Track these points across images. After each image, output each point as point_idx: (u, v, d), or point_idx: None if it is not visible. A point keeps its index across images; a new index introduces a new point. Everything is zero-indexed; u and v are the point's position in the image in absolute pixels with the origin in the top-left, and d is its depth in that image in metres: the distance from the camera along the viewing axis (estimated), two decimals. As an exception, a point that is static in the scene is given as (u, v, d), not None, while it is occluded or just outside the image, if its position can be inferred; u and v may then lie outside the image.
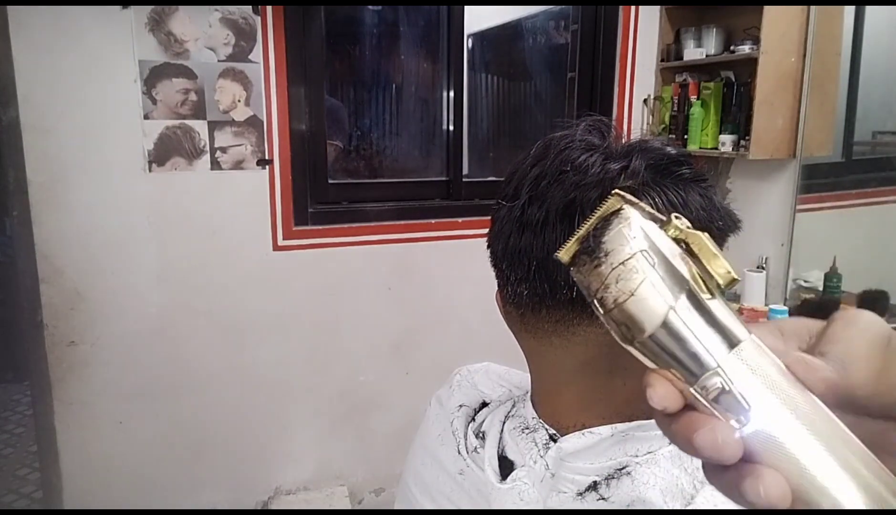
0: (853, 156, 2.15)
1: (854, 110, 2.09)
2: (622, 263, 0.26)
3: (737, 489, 0.23)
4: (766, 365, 0.25)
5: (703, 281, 0.26)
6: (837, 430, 0.24)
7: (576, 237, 0.29)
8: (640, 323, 0.26)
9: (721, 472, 0.24)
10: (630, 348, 0.27)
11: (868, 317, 0.27)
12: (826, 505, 0.23)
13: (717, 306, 0.25)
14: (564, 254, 0.29)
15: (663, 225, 0.27)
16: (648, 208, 0.28)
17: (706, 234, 0.27)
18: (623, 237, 0.27)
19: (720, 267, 0.26)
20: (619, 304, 0.26)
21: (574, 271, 0.29)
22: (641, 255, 0.26)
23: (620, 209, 0.28)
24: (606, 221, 0.28)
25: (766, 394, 0.24)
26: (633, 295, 0.26)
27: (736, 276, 0.26)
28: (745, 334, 0.25)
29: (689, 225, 0.27)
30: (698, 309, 0.25)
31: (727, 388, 0.24)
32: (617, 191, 0.29)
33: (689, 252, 0.26)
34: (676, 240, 0.27)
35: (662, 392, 0.25)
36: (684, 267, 0.26)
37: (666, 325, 0.25)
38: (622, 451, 0.47)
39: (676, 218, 0.27)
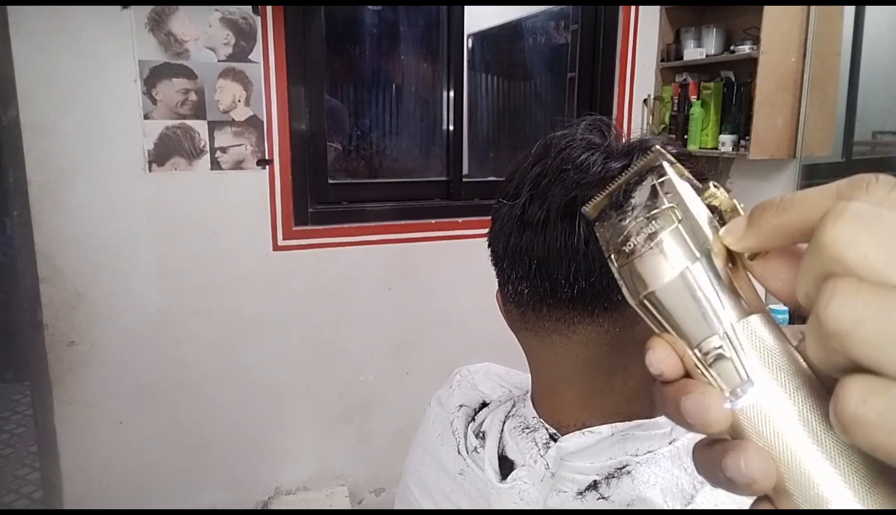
0: (853, 156, 2.15)
1: (854, 110, 2.08)
2: (647, 217, 0.26)
3: (718, 463, 0.22)
4: (773, 342, 0.24)
5: (729, 250, 0.25)
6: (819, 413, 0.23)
7: (606, 192, 0.28)
8: (653, 277, 0.25)
9: (707, 449, 0.24)
10: (636, 307, 0.26)
11: None
12: (810, 497, 0.22)
13: (737, 276, 0.25)
14: (592, 210, 0.29)
15: (699, 191, 0.27)
16: (687, 172, 0.27)
17: (742, 205, 0.26)
18: (654, 192, 0.27)
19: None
20: (636, 256, 0.26)
21: (598, 226, 0.28)
22: (669, 211, 0.26)
23: (659, 165, 0.27)
24: (640, 177, 0.28)
25: (764, 370, 0.23)
26: (651, 248, 0.25)
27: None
28: (759, 308, 0.25)
29: (728, 194, 0.26)
30: (714, 274, 0.25)
31: (727, 354, 0.24)
32: (658, 147, 0.28)
33: (721, 222, 0.26)
34: (711, 208, 0.26)
35: (661, 354, 0.25)
36: (710, 232, 0.25)
37: (678, 281, 0.25)
38: (622, 450, 0.47)
39: (715, 186, 0.27)
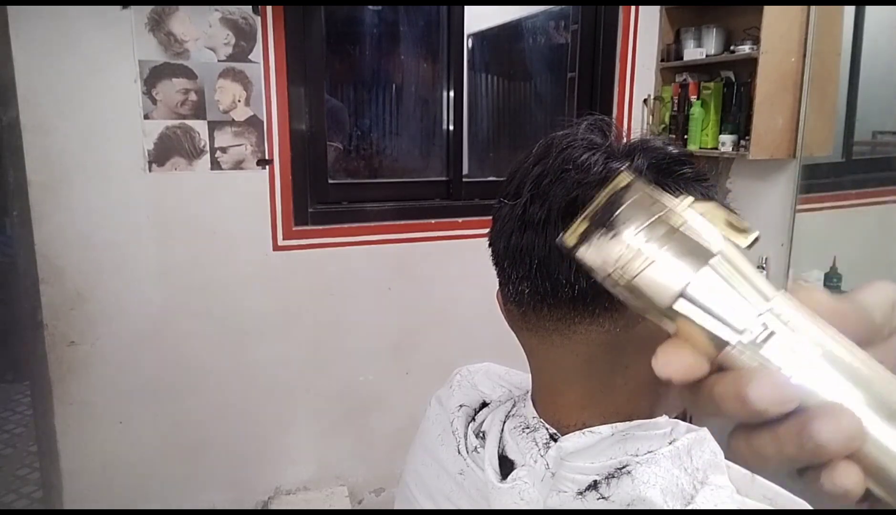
0: (853, 156, 2.15)
1: (854, 110, 2.08)
2: (646, 227, 0.26)
3: (802, 434, 0.22)
4: (807, 310, 0.24)
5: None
6: (879, 369, 0.24)
7: (583, 216, 0.28)
8: (679, 276, 0.25)
9: (766, 429, 0.23)
10: (661, 314, 0.26)
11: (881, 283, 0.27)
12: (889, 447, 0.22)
13: (748, 263, 0.25)
14: (571, 237, 0.28)
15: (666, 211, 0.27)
16: (653, 192, 0.27)
17: (713, 203, 0.27)
18: (640, 205, 0.27)
19: (741, 225, 0.26)
20: (649, 263, 0.25)
21: (583, 250, 0.27)
22: (671, 215, 0.26)
23: (630, 184, 0.28)
24: (615, 197, 0.27)
25: (819, 335, 0.24)
26: (667, 250, 0.25)
27: (756, 233, 0.26)
28: (773, 288, 0.25)
29: (692, 201, 0.27)
30: (733, 264, 0.25)
31: (778, 330, 0.24)
32: (623, 169, 0.29)
33: None
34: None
35: (684, 360, 0.24)
36: (711, 225, 0.26)
37: (710, 272, 0.25)
38: (622, 450, 0.47)
39: (680, 200, 0.27)
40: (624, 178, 0.28)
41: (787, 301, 0.25)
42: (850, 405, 0.23)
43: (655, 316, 0.26)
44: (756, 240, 0.26)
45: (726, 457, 0.46)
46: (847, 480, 0.22)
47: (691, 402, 0.25)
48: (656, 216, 0.26)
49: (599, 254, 0.27)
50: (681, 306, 0.25)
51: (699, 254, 0.25)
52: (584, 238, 0.27)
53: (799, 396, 0.23)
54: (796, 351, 0.24)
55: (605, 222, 0.27)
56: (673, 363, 0.25)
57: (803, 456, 0.23)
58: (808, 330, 0.24)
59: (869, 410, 0.23)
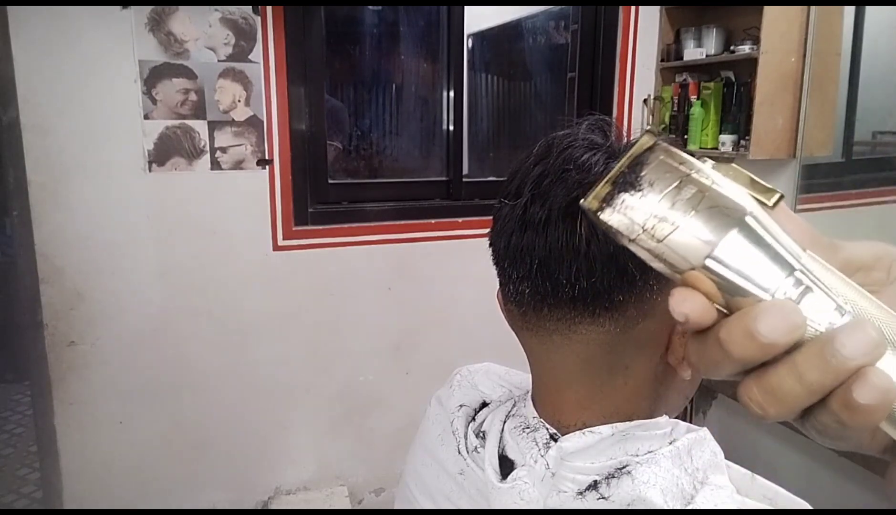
0: (853, 156, 2.15)
1: (854, 110, 2.08)
2: (676, 187, 0.25)
3: (824, 351, 0.22)
4: (831, 270, 0.25)
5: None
6: None
7: (606, 179, 0.27)
8: (712, 236, 0.24)
9: (781, 364, 0.23)
10: (691, 274, 0.25)
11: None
12: None
13: (774, 223, 0.25)
14: (593, 200, 0.27)
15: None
16: (677, 153, 0.27)
17: (733, 165, 0.27)
18: (667, 165, 0.26)
19: (764, 185, 0.26)
20: (677, 227, 0.25)
21: (608, 214, 0.26)
22: (697, 176, 0.26)
23: (655, 145, 0.27)
24: (639, 159, 0.27)
25: (849, 292, 0.24)
26: (697, 212, 0.25)
27: (780, 193, 0.26)
28: (799, 248, 0.25)
29: (713, 164, 0.27)
30: (762, 224, 0.25)
31: (814, 287, 0.24)
32: (649, 128, 0.28)
33: None
34: None
35: (699, 301, 0.24)
36: (738, 186, 0.26)
37: (740, 234, 0.24)
38: (622, 450, 0.47)
39: (703, 161, 0.27)
40: (647, 141, 0.27)
41: (813, 260, 0.25)
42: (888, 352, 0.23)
43: (674, 275, 0.26)
44: (780, 198, 0.26)
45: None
46: (882, 380, 0.22)
47: (698, 353, 0.25)
48: (683, 177, 0.26)
49: (626, 217, 0.26)
50: (712, 265, 0.25)
51: (730, 214, 0.25)
52: (607, 201, 0.27)
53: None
54: (835, 305, 0.24)
55: (630, 184, 0.26)
56: (689, 301, 0.24)
57: (827, 379, 0.23)
58: (837, 286, 0.24)
59: None
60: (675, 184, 0.26)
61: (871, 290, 0.25)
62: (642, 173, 0.26)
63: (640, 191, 0.26)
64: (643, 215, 0.26)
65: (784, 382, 0.23)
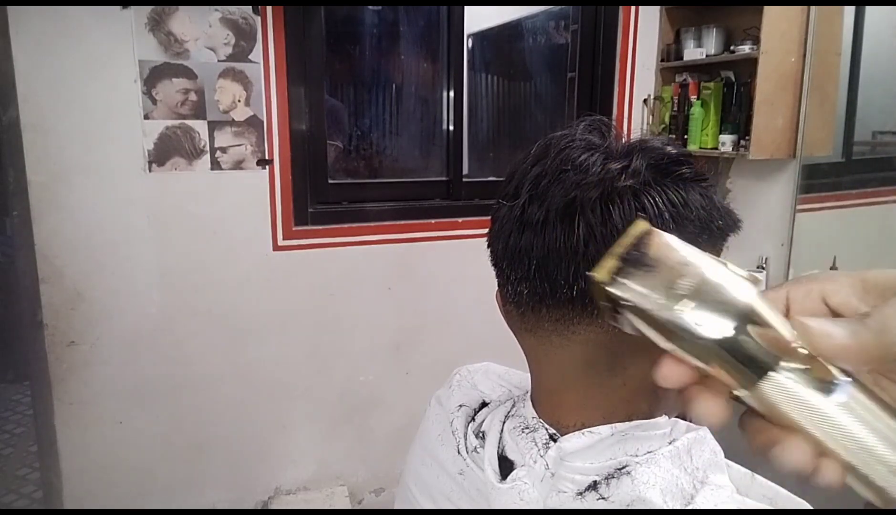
0: (853, 156, 2.15)
1: (854, 110, 2.08)
2: (681, 263, 0.28)
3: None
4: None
5: None
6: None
7: (610, 255, 0.30)
8: (714, 329, 0.26)
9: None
10: (711, 346, 0.27)
11: None
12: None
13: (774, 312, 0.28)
14: (604, 274, 0.29)
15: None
16: (671, 241, 0.30)
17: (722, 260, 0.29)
18: (669, 247, 0.29)
19: (747, 276, 0.28)
20: (697, 293, 0.27)
21: (617, 286, 0.29)
22: (699, 253, 0.28)
23: (650, 230, 0.30)
24: (638, 240, 0.29)
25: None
26: (705, 282, 0.27)
27: (757, 276, 0.28)
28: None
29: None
30: (763, 318, 0.27)
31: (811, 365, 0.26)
32: (640, 215, 0.31)
33: None
34: None
35: (683, 372, 0.28)
36: (734, 276, 0.28)
37: (753, 309, 0.26)
38: (622, 451, 0.47)
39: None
40: (643, 225, 0.30)
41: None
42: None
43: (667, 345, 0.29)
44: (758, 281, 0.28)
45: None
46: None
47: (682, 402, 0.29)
48: (690, 254, 0.28)
49: (633, 292, 0.28)
50: (717, 353, 0.27)
51: (735, 309, 0.27)
52: (615, 275, 0.29)
53: None
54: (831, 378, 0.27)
55: (637, 261, 0.29)
56: (675, 375, 0.27)
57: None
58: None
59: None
60: (681, 261, 0.28)
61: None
62: (646, 251, 0.29)
63: (646, 266, 0.29)
64: (651, 287, 0.28)
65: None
